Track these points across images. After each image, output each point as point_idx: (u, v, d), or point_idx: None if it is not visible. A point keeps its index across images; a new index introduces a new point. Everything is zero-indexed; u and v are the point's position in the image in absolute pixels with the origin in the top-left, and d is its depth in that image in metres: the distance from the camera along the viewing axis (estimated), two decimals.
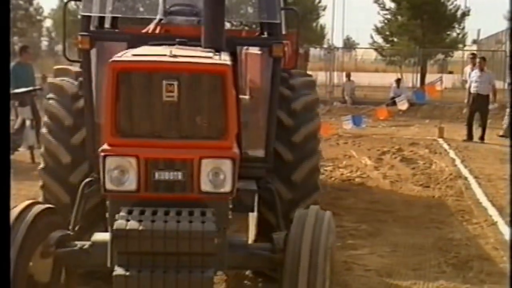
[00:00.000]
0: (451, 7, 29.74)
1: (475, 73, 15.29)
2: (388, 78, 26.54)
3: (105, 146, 3.57)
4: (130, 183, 3.55)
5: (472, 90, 15.16)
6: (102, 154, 3.54)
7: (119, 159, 3.53)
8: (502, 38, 30.98)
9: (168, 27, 5.15)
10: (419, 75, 27.56)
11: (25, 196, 8.30)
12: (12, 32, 39.29)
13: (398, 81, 23.74)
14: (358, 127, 14.40)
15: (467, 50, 26.89)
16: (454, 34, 30.41)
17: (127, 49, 4.19)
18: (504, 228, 7.35)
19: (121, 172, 3.54)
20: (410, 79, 27.41)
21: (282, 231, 4.23)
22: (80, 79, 4.96)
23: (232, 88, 3.70)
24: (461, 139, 14.91)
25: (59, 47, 45.22)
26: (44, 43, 44.16)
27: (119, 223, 3.39)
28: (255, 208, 4.56)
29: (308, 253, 3.59)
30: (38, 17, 43.32)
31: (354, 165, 11.32)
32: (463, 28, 30.49)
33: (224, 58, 3.83)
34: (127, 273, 3.36)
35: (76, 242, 3.93)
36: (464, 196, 9.09)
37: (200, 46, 3.97)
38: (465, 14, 29.97)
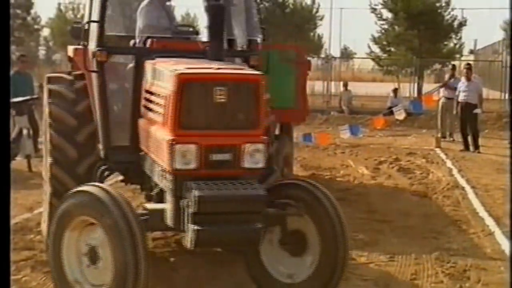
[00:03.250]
0: (448, 17, 29.79)
1: (463, 83, 15.36)
2: (385, 88, 26.60)
3: (171, 137, 4.61)
4: (193, 163, 4.60)
5: (461, 99, 15.21)
6: (171, 143, 4.58)
7: (183, 146, 4.59)
8: (499, 48, 31.08)
9: (164, 43, 5.92)
10: (416, 85, 27.61)
11: (21, 205, 8.30)
12: (10, 41, 39.28)
13: (395, 90, 23.79)
14: (355, 136, 14.43)
15: (464, 60, 26.92)
16: (451, 44, 30.45)
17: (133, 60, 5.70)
18: (501, 238, 7.35)
19: (181, 156, 4.58)
20: (407, 89, 27.46)
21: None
22: (76, 86, 6.18)
23: (264, 91, 4.79)
24: (458, 149, 14.93)
25: (56, 56, 45.26)
26: (42, 52, 44.25)
27: (197, 192, 4.44)
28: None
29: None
30: (36, 26, 43.26)
31: (351, 175, 11.33)
32: (460, 38, 30.52)
33: (253, 70, 5.02)
34: (200, 228, 4.44)
35: None
36: (461, 206, 9.10)
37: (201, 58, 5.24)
38: (462, 24, 30.01)
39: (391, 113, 16.91)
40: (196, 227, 4.45)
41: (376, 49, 31.77)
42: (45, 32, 47.87)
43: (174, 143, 4.58)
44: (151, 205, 5.08)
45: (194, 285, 5.64)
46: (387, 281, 5.93)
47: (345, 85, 25.03)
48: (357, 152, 14.14)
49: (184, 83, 4.63)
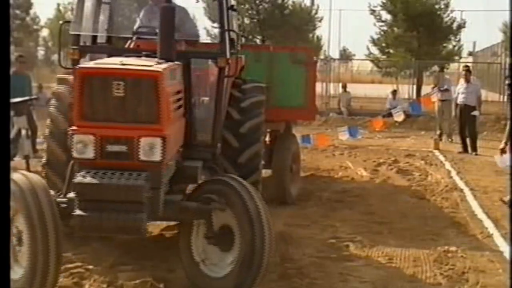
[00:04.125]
0: (447, 19, 29.81)
1: (462, 85, 15.38)
2: (384, 90, 26.61)
3: (74, 127, 4.95)
4: (90, 153, 4.90)
5: (459, 101, 15.23)
6: (71, 133, 4.93)
7: (82, 136, 4.90)
8: (498, 50, 31.11)
9: (140, 43, 6.40)
10: (415, 86, 27.62)
11: None
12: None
13: (394, 92, 23.80)
14: (354, 138, 14.46)
15: (462, 62, 26.91)
16: (450, 46, 30.47)
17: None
18: (499, 241, 7.35)
19: (81, 146, 4.90)
20: (406, 90, 27.46)
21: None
22: None
23: (166, 87, 5.01)
24: (457, 151, 14.93)
25: (55, 57, 45.25)
26: (41, 52, 44.22)
27: (79, 179, 4.81)
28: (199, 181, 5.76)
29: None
30: (35, 27, 43.30)
31: (350, 176, 11.33)
32: (459, 40, 30.53)
33: (161, 66, 5.12)
34: (83, 214, 4.75)
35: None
36: (460, 208, 9.10)
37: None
38: (461, 26, 30.03)
39: (390, 114, 16.93)
40: (78, 213, 4.75)
41: (375, 50, 31.81)
42: (44, 32, 47.87)
43: (73, 133, 4.93)
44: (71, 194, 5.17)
45: (190, 286, 5.63)
46: (385, 283, 5.92)
47: (344, 87, 25.05)
48: (356, 153, 14.14)
49: (84, 77, 4.98)
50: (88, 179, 4.77)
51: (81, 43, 6.18)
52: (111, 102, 4.94)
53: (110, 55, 5.78)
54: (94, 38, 6.60)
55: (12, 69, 11.84)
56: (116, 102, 4.93)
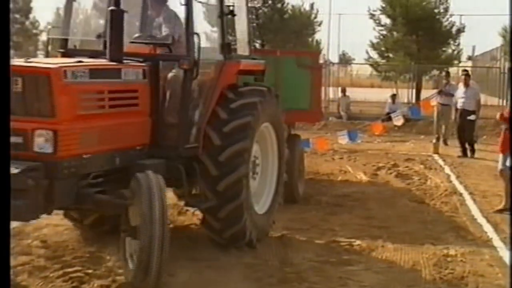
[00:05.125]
0: (446, 23, 29.86)
1: (461, 89, 15.39)
2: (384, 94, 26.61)
3: None
4: None
5: (459, 105, 15.25)
6: None
7: None
8: (497, 54, 31.09)
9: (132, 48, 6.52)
10: (414, 90, 27.63)
11: None
12: None
13: (393, 96, 23.79)
14: (353, 142, 14.45)
15: (462, 67, 26.90)
16: (450, 51, 30.50)
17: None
18: (499, 245, 7.35)
19: None
20: (405, 94, 27.47)
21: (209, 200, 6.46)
22: None
23: (66, 84, 5.27)
24: (456, 155, 14.94)
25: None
26: (40, 56, 44.19)
27: None
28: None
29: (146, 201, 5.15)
30: (34, 31, 43.30)
31: (349, 181, 11.33)
32: (458, 45, 30.58)
33: (56, 63, 5.49)
34: None
35: None
36: (459, 212, 9.10)
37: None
38: (460, 30, 30.07)
39: (389, 119, 16.93)
40: None
41: (374, 54, 31.84)
42: (44, 36, 47.80)
43: None
44: None
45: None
46: (385, 287, 5.92)
47: (343, 91, 25.04)
48: (355, 157, 14.14)
49: None
50: None
51: (71, 47, 6.65)
52: (12, 97, 5.06)
53: (91, 58, 6.18)
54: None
55: None
56: (16, 96, 5.19)
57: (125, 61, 6.04)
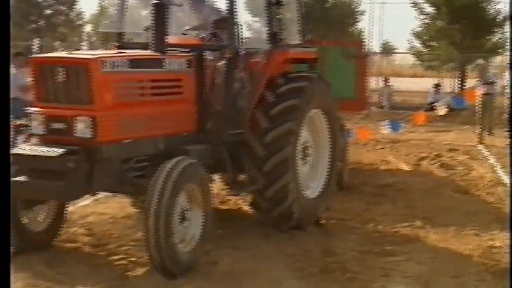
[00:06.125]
0: (491, 11, 29.34)
1: (507, 78, 15.11)
2: (426, 83, 26.30)
3: (33, 108, 5.85)
4: (40, 130, 5.78)
5: (508, 94, 14.98)
6: (30, 112, 5.85)
7: (36, 115, 5.79)
8: None
9: (177, 39, 6.94)
10: (458, 80, 27.23)
11: None
12: (53, 37, 39.90)
13: (437, 86, 23.49)
14: (395, 132, 14.30)
15: (507, 55, 26.42)
16: (495, 39, 29.97)
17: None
18: None
19: (37, 123, 5.78)
20: (449, 84, 27.10)
21: (257, 182, 6.74)
22: None
23: (104, 74, 5.60)
24: (501, 145, 14.69)
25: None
26: (85, 47, 44.77)
27: (16, 150, 5.71)
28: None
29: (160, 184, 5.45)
30: (79, 22, 43.87)
31: (391, 171, 11.24)
32: (504, 33, 30.04)
33: (95, 54, 5.81)
34: (18, 179, 5.60)
35: None
36: (504, 203, 8.95)
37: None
38: (506, 18, 29.51)
39: (432, 108, 16.71)
40: (16, 179, 5.58)
41: (417, 44, 31.46)
42: (88, 28, 48.49)
43: (31, 113, 5.84)
44: None
45: (232, 279, 5.67)
46: (429, 279, 5.87)
47: (386, 80, 24.84)
48: (398, 148, 14.02)
49: (37, 65, 5.85)
50: (21, 151, 5.66)
51: (125, 41, 6.96)
52: (56, 86, 5.70)
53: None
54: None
55: None
56: (60, 85, 5.68)
57: (171, 51, 6.32)
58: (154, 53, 6.15)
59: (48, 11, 39.42)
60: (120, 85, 5.79)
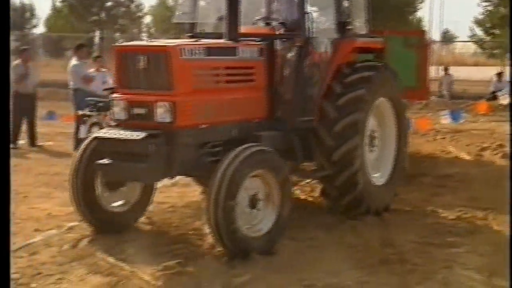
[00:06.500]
0: None
1: None
2: (489, 72, 25.70)
3: (114, 95, 6.15)
4: (122, 115, 6.05)
5: None
6: (111, 99, 6.17)
7: (117, 101, 6.09)
8: None
9: (250, 29, 7.22)
10: None
11: None
12: (114, 29, 40.59)
13: (500, 74, 22.93)
14: (456, 122, 14.08)
15: None
16: None
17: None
18: None
19: (119, 109, 6.06)
20: None
21: (326, 170, 6.91)
22: None
23: (183, 61, 5.86)
24: None
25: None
26: (144, 38, 45.41)
27: (99, 134, 6.18)
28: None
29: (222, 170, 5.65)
30: (139, 14, 44.50)
31: (452, 161, 11.05)
32: None
33: (174, 42, 6.12)
34: (102, 162, 5.99)
35: None
36: None
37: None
38: None
39: (495, 97, 16.38)
40: (100, 162, 6.01)
41: (479, 31, 30.82)
42: (147, 19, 49.13)
43: (112, 99, 6.14)
44: None
45: (292, 269, 5.68)
46: (491, 271, 5.75)
47: (446, 69, 24.38)
48: (458, 138, 13.74)
49: (119, 53, 6.15)
50: (105, 134, 5.99)
51: (197, 31, 7.22)
52: (137, 73, 5.97)
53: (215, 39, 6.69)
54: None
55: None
56: (141, 73, 5.93)
57: (243, 40, 6.54)
58: (228, 42, 6.39)
59: (109, 3, 40.12)
60: (198, 72, 6.04)
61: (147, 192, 6.84)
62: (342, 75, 7.16)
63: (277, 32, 7.15)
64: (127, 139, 5.74)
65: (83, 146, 6.48)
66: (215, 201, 5.56)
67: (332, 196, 7.12)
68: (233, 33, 6.40)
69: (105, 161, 5.98)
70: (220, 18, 7.14)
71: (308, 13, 6.75)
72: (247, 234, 5.78)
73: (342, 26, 7.31)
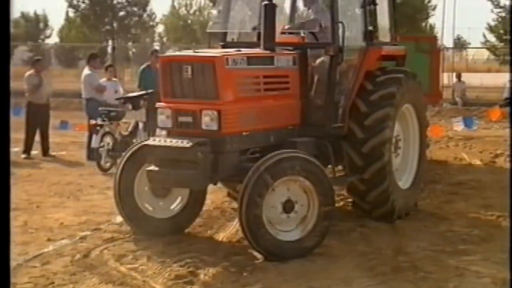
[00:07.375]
0: None
1: None
2: (502, 78, 25.58)
3: (160, 104, 6.37)
4: (168, 123, 6.31)
5: None
6: (157, 107, 6.41)
7: (163, 110, 6.34)
8: None
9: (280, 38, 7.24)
10: None
11: None
12: (126, 38, 40.76)
13: None
14: (469, 129, 14.01)
15: None
16: None
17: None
18: None
19: (164, 117, 6.31)
20: None
21: (357, 163, 7.07)
22: None
23: (228, 71, 6.08)
24: None
25: (170, 52, 46.66)
26: (156, 48, 45.60)
27: (148, 142, 6.32)
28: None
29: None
30: (151, 23, 44.66)
31: (465, 168, 10.99)
32: None
33: (218, 52, 6.40)
34: (152, 169, 6.18)
35: None
36: None
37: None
38: None
39: (508, 104, 16.27)
40: (149, 168, 6.21)
41: (492, 38, 30.71)
42: (160, 28, 49.30)
43: (158, 107, 6.36)
44: None
45: (304, 277, 5.66)
46: (505, 279, 5.69)
47: (459, 76, 24.31)
48: (471, 145, 13.69)
49: (165, 63, 6.40)
50: (154, 142, 6.17)
51: (229, 40, 7.46)
52: (183, 82, 6.18)
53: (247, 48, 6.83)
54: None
55: (146, 63, 12.36)
56: (186, 82, 6.15)
57: (277, 50, 6.75)
58: (265, 51, 6.57)
59: (121, 13, 40.31)
60: (241, 80, 6.30)
61: (195, 199, 6.93)
62: (373, 76, 7.40)
63: (308, 41, 7.37)
64: (177, 147, 5.92)
65: (127, 152, 6.71)
66: (244, 204, 5.75)
67: (360, 191, 7.21)
68: (270, 42, 6.56)
69: (154, 167, 6.15)
70: (254, 28, 7.42)
71: (340, 22, 6.89)
72: (279, 238, 5.93)
73: (369, 34, 7.49)
